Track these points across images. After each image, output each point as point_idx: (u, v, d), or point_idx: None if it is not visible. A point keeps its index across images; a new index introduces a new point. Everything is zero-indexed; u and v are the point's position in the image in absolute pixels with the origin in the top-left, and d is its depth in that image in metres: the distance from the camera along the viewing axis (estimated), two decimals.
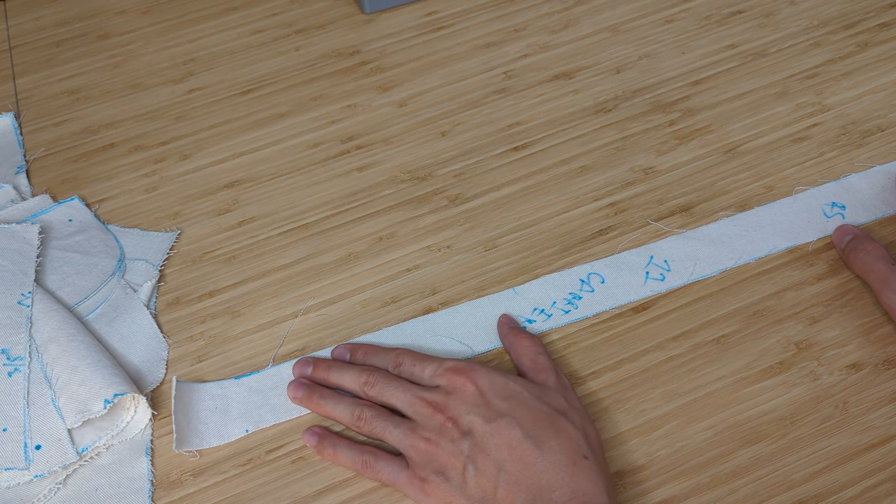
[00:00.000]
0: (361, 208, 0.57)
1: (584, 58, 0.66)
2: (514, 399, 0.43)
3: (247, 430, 0.47)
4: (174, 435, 0.45)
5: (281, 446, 0.47)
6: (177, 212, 0.58)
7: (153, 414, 0.47)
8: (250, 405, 0.48)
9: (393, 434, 0.44)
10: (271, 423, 0.47)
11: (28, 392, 0.48)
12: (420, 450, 0.43)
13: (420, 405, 0.44)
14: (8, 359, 0.49)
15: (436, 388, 0.45)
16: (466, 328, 0.50)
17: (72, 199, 0.58)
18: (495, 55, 0.67)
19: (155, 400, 0.48)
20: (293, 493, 0.45)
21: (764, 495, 0.43)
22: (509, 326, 0.49)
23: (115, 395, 0.46)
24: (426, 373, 0.46)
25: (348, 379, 0.47)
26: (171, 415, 0.47)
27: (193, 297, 0.53)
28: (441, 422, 0.43)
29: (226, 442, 0.46)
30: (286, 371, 0.49)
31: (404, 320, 0.51)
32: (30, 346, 0.49)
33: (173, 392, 0.46)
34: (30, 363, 0.49)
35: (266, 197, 0.58)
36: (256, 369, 0.49)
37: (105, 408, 0.45)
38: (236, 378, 0.49)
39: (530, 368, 0.46)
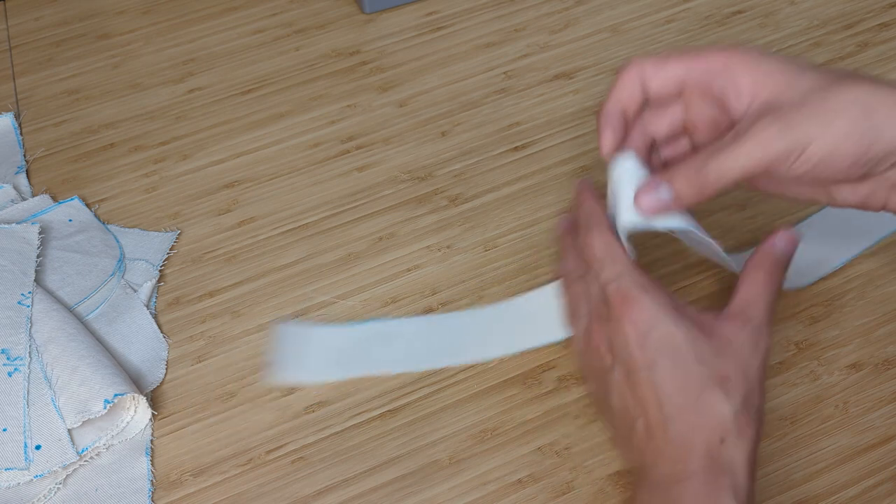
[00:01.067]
0: (361, 208, 0.57)
1: (584, 58, 0.66)
2: (669, 352, 0.38)
3: (343, 376, 0.48)
4: (271, 367, 0.47)
5: (281, 446, 0.47)
6: (177, 212, 0.58)
7: (153, 414, 0.48)
8: (351, 353, 0.49)
9: (579, 323, 0.43)
10: (365, 374, 0.48)
11: (28, 392, 0.48)
12: (582, 354, 0.43)
13: (591, 317, 0.42)
14: (8, 359, 0.49)
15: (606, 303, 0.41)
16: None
17: (72, 199, 0.58)
18: (495, 55, 0.67)
19: (155, 399, 0.49)
20: (293, 493, 0.45)
21: (764, 495, 0.43)
22: (776, 256, 0.42)
23: (116, 396, 0.46)
24: (602, 276, 0.41)
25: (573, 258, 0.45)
26: (172, 414, 0.47)
27: (193, 297, 0.53)
28: (596, 344, 0.41)
29: (321, 380, 0.48)
30: (387, 326, 0.50)
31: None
32: (30, 346, 0.49)
33: (278, 331, 0.48)
34: (30, 363, 0.49)
35: (266, 197, 0.58)
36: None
37: (105, 408, 0.45)
38: (342, 325, 0.50)
39: (735, 308, 0.40)
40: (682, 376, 0.38)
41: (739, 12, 0.69)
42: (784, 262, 0.42)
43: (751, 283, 0.41)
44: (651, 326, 0.39)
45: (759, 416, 0.38)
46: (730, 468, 0.37)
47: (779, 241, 0.42)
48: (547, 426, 0.47)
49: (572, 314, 0.44)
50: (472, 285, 0.53)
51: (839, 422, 0.46)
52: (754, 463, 0.38)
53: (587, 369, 0.43)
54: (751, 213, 0.55)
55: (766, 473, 0.44)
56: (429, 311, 0.52)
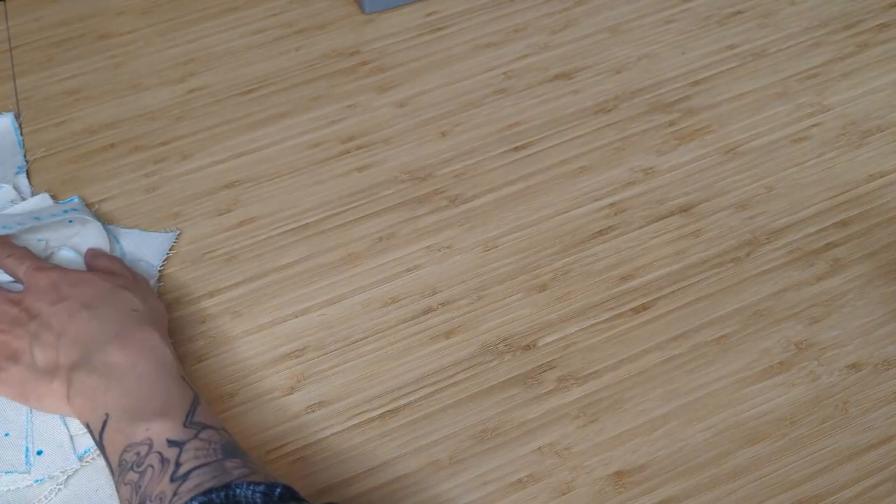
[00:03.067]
0: (361, 208, 0.57)
1: (584, 58, 0.66)
2: (82, 284, 0.47)
3: None
4: None
5: (281, 446, 0.47)
6: (177, 212, 0.58)
7: None
8: None
9: None
10: None
11: None
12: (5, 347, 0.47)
13: (1, 303, 0.48)
14: None
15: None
16: None
17: (72, 200, 0.58)
18: (495, 55, 0.67)
19: None
20: None
21: (764, 495, 0.43)
22: (92, 253, 0.53)
23: None
24: (20, 272, 0.50)
25: None
26: None
27: (193, 297, 0.53)
28: (15, 314, 0.47)
29: None
30: None
31: (404, 321, 0.51)
32: None
33: None
34: None
35: (266, 197, 0.58)
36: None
37: None
38: None
39: (104, 269, 0.51)
40: (95, 290, 0.47)
41: (739, 12, 0.69)
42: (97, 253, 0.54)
43: (97, 263, 0.52)
44: (61, 275, 0.48)
45: (158, 305, 0.50)
46: (146, 319, 0.46)
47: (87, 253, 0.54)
48: (547, 426, 0.47)
49: None
50: (472, 285, 0.53)
51: (839, 422, 0.46)
52: (163, 326, 0.49)
53: (12, 350, 0.47)
54: (751, 213, 0.55)
55: (766, 473, 0.44)
56: (429, 311, 0.52)
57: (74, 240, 0.54)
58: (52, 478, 0.45)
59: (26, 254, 0.51)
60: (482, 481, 0.45)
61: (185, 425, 0.41)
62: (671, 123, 0.61)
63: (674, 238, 0.54)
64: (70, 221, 0.56)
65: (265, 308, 0.52)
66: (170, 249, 0.55)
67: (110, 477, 0.45)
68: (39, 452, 0.45)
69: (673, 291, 0.52)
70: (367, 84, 0.65)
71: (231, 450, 0.40)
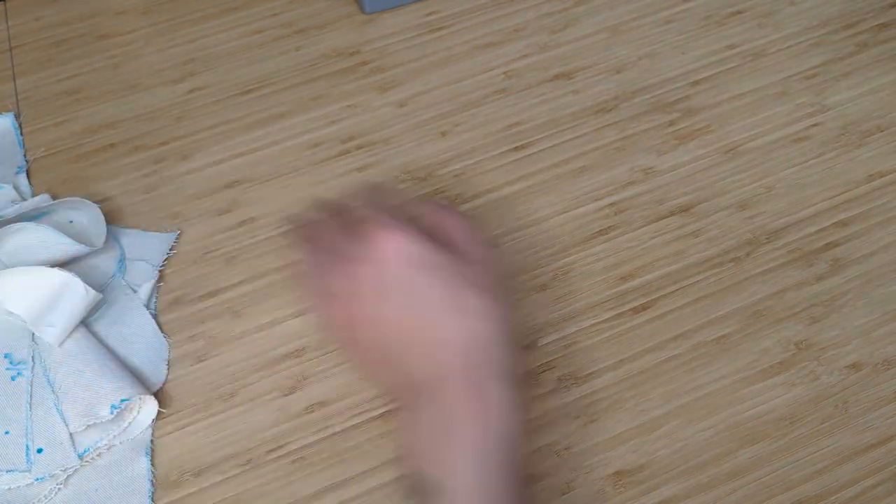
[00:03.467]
0: None
1: (584, 58, 0.66)
2: (425, 267, 0.42)
3: None
4: None
5: (281, 446, 0.47)
6: (177, 212, 0.58)
7: (159, 412, 0.48)
8: None
9: (332, 286, 0.44)
10: None
11: (31, 396, 0.48)
12: (343, 311, 0.44)
13: (345, 265, 0.44)
14: (11, 363, 0.49)
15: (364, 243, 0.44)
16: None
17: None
18: (495, 55, 0.67)
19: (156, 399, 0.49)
20: (293, 493, 0.45)
21: (764, 495, 0.43)
22: (436, 206, 0.48)
23: (122, 401, 0.46)
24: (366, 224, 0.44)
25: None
26: (172, 414, 0.47)
27: (193, 297, 0.53)
28: (357, 284, 0.43)
29: None
30: None
31: None
32: (33, 350, 0.49)
33: None
34: (33, 367, 0.49)
35: (266, 197, 0.58)
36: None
37: (112, 413, 0.45)
38: None
39: (456, 242, 0.44)
40: (438, 285, 0.41)
41: (739, 12, 0.69)
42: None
43: (450, 228, 0.45)
44: (405, 248, 0.42)
45: (510, 317, 0.42)
46: (495, 361, 0.39)
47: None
48: (547, 426, 0.47)
49: (319, 283, 0.45)
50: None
51: (839, 422, 0.46)
52: (516, 358, 0.41)
53: (346, 318, 0.44)
54: (751, 213, 0.55)
55: (766, 473, 0.44)
56: None
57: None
58: (52, 476, 0.45)
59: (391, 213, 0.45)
60: None
61: None
62: (671, 123, 0.61)
63: (674, 238, 0.54)
64: (70, 221, 0.56)
65: (265, 308, 0.52)
66: (170, 249, 0.55)
67: (110, 477, 0.45)
68: (40, 450, 0.45)
69: (673, 291, 0.52)
70: (367, 84, 0.65)
71: None
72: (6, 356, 0.49)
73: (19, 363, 0.49)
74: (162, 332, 0.51)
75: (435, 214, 0.47)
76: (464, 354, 0.39)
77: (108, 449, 0.46)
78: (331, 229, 0.46)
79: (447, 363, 0.39)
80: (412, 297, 0.41)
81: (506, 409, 0.38)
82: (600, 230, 0.55)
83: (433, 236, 0.44)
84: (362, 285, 0.43)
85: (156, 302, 0.53)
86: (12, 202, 0.57)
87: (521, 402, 0.39)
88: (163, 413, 0.48)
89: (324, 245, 0.46)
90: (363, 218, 0.44)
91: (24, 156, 0.62)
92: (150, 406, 0.47)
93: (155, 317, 0.52)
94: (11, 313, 0.50)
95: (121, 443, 0.47)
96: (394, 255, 0.42)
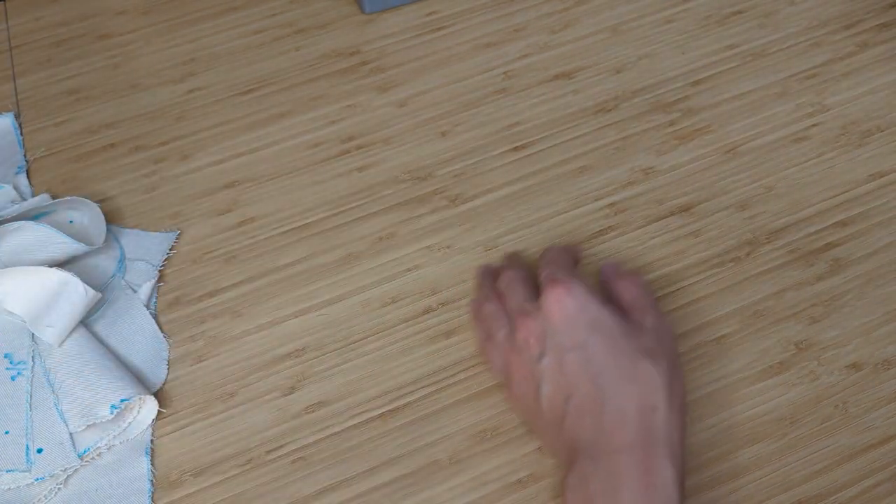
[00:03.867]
0: (361, 208, 0.57)
1: (584, 58, 0.66)
2: (599, 331, 0.41)
3: None
4: None
5: (281, 446, 0.47)
6: (177, 212, 0.58)
7: (159, 412, 0.48)
8: None
9: (496, 336, 0.45)
10: None
11: (31, 396, 0.48)
12: (505, 360, 0.44)
13: (515, 317, 0.44)
14: (11, 363, 0.49)
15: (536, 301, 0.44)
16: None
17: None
18: (495, 55, 0.67)
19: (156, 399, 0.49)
20: (293, 493, 0.45)
21: (764, 495, 0.43)
22: (613, 269, 0.48)
23: (122, 401, 0.46)
24: (541, 274, 0.46)
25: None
26: (171, 414, 0.47)
27: (193, 297, 0.53)
28: (524, 337, 0.43)
29: None
30: None
31: (404, 321, 0.51)
32: (33, 350, 0.49)
33: None
34: (33, 367, 0.49)
35: (266, 197, 0.58)
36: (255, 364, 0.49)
37: (112, 413, 0.45)
38: None
39: (630, 307, 0.45)
40: (612, 351, 0.41)
41: (739, 12, 0.68)
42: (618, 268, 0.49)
43: (625, 288, 0.46)
44: (581, 308, 0.42)
45: (683, 387, 0.42)
46: (666, 437, 0.39)
47: (607, 265, 0.49)
48: None
49: (485, 333, 0.46)
50: (472, 285, 0.53)
51: (839, 422, 0.46)
52: (684, 434, 0.40)
53: (512, 370, 0.44)
54: (751, 213, 0.55)
55: (766, 473, 0.44)
56: (429, 311, 0.52)
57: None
58: (52, 476, 0.45)
59: (555, 259, 0.46)
60: (482, 481, 0.45)
61: None
62: (671, 123, 0.61)
63: (674, 238, 0.54)
64: (71, 221, 0.56)
65: (265, 308, 0.53)
66: (170, 249, 0.55)
67: (110, 476, 0.45)
68: (40, 451, 0.45)
69: (673, 291, 0.52)
70: (367, 84, 0.65)
71: None
72: (6, 356, 0.49)
73: (19, 363, 0.49)
74: (162, 332, 0.51)
75: (612, 277, 0.47)
76: (638, 429, 0.39)
77: (108, 449, 0.46)
78: (510, 281, 0.47)
79: (620, 435, 0.39)
80: (585, 359, 0.41)
81: (671, 488, 0.38)
82: (600, 230, 0.55)
83: (609, 299, 0.45)
84: (528, 339, 0.43)
85: (156, 302, 0.53)
86: (12, 202, 0.57)
87: (683, 479, 0.39)
88: (163, 413, 0.48)
89: (498, 294, 0.47)
90: (543, 274, 0.45)
91: (24, 156, 0.62)
92: (150, 406, 0.47)
93: (155, 317, 0.52)
94: (11, 313, 0.50)
95: (121, 443, 0.47)
96: (566, 315, 0.42)
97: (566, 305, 0.42)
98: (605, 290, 0.47)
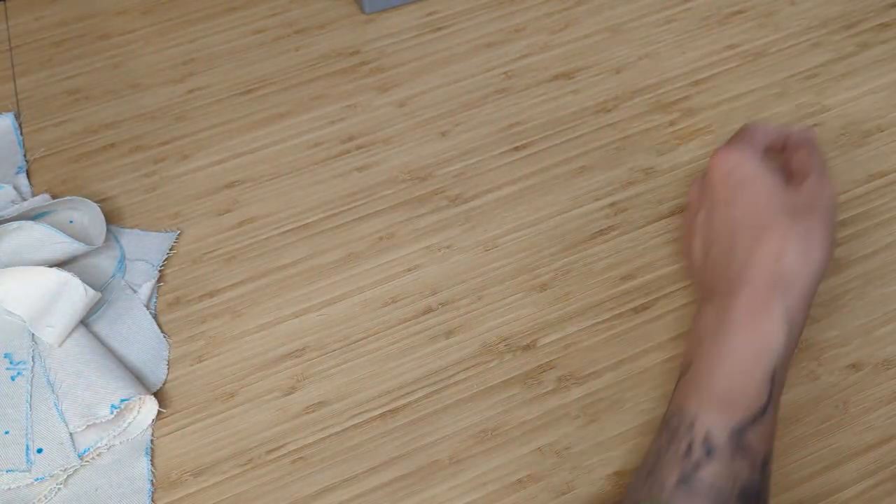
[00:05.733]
0: (361, 208, 0.57)
1: (584, 58, 0.66)
2: (750, 188, 0.44)
3: None
4: None
5: (281, 446, 0.47)
6: (177, 212, 0.58)
7: (159, 412, 0.48)
8: None
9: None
10: None
11: (31, 396, 0.48)
12: (684, 225, 0.49)
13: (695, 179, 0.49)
14: (11, 363, 0.49)
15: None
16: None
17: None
18: (495, 55, 0.67)
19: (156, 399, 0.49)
20: (293, 493, 0.45)
21: None
22: (799, 137, 0.49)
23: (122, 401, 0.46)
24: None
25: None
26: (171, 414, 0.47)
27: (193, 297, 0.53)
28: (692, 197, 0.48)
29: None
30: None
31: (404, 321, 0.51)
32: (33, 350, 0.49)
33: None
34: (33, 367, 0.49)
35: (266, 197, 0.58)
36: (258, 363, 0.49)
37: (112, 413, 0.45)
38: None
39: (795, 170, 0.46)
40: (754, 206, 0.43)
41: (739, 12, 0.68)
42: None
43: (798, 155, 0.47)
44: (737, 165, 0.44)
45: (822, 246, 0.42)
46: (783, 281, 0.41)
47: (797, 131, 0.49)
48: (547, 426, 0.47)
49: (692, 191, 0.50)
50: (472, 285, 0.53)
51: (839, 422, 0.46)
52: (812, 288, 0.42)
53: (684, 231, 0.49)
54: None
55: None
56: (429, 311, 0.52)
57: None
58: (52, 476, 0.45)
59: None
60: (482, 481, 0.45)
61: (731, 436, 0.38)
62: (671, 123, 0.61)
63: (674, 238, 0.54)
64: (71, 221, 0.56)
65: (265, 308, 0.53)
66: (170, 249, 0.55)
67: (110, 476, 0.45)
68: (39, 450, 0.45)
69: (673, 291, 0.52)
70: (367, 84, 0.65)
71: (747, 496, 0.37)
72: (6, 356, 0.49)
73: (19, 363, 0.49)
74: (162, 332, 0.51)
75: (786, 139, 0.48)
76: (759, 275, 0.41)
77: (108, 449, 0.46)
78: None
79: (740, 280, 0.41)
80: (729, 213, 0.44)
81: (775, 333, 0.40)
82: (600, 230, 0.55)
83: (785, 163, 0.47)
84: (693, 198, 0.47)
85: (156, 302, 0.53)
86: (12, 202, 0.57)
87: (798, 328, 0.41)
88: (163, 413, 0.48)
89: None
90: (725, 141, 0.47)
91: (24, 156, 0.62)
92: (150, 406, 0.47)
93: (155, 317, 0.52)
94: (11, 313, 0.50)
95: (121, 443, 0.47)
96: (721, 172, 0.45)
97: (725, 163, 0.45)
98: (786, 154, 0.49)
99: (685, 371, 0.41)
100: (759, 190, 0.43)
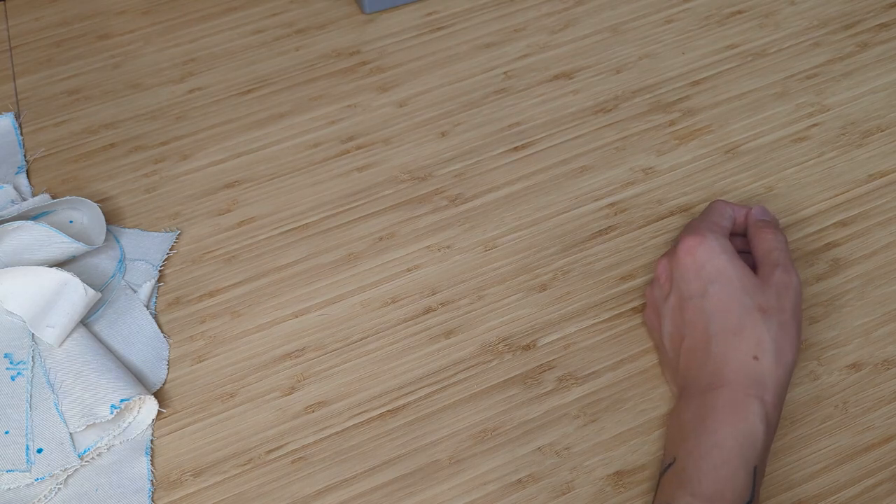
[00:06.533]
0: (361, 208, 0.57)
1: (584, 58, 0.66)
2: (721, 282, 0.44)
3: None
4: None
5: (281, 446, 0.47)
6: (177, 212, 0.58)
7: (159, 412, 0.48)
8: None
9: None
10: None
11: (31, 396, 0.48)
12: (649, 288, 0.49)
13: (663, 255, 0.48)
14: (11, 363, 0.49)
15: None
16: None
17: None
18: (495, 55, 0.67)
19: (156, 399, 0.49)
20: (293, 493, 0.45)
21: (764, 495, 0.43)
22: (759, 218, 0.49)
23: (122, 401, 0.46)
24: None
25: None
26: (172, 414, 0.47)
27: (193, 297, 0.53)
28: (658, 274, 0.47)
29: None
30: None
31: (404, 321, 0.51)
32: (33, 350, 0.49)
33: None
34: (33, 367, 0.49)
35: (266, 197, 0.58)
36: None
37: (112, 413, 0.45)
38: None
39: (761, 261, 0.46)
40: (728, 302, 0.43)
41: (739, 12, 0.68)
42: (765, 218, 0.50)
43: (761, 240, 0.47)
44: (709, 259, 0.45)
45: (793, 344, 0.43)
46: (759, 381, 0.41)
47: (756, 210, 0.50)
48: (547, 426, 0.47)
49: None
50: (472, 285, 0.53)
51: (839, 422, 0.46)
52: (785, 386, 0.42)
53: (649, 302, 0.48)
54: None
55: (766, 473, 0.44)
56: (429, 311, 0.52)
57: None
58: (52, 476, 0.45)
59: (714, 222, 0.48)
60: (482, 481, 0.45)
61: None
62: (671, 123, 0.61)
63: (674, 238, 0.54)
64: (71, 221, 0.56)
65: (265, 308, 0.53)
66: (170, 249, 0.55)
67: (110, 476, 0.45)
68: (40, 450, 0.45)
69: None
70: (367, 84, 0.65)
71: None
72: (6, 356, 0.49)
73: (19, 363, 0.49)
74: (162, 332, 0.51)
75: (754, 225, 0.49)
76: (737, 374, 0.42)
77: (108, 449, 0.46)
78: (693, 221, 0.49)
79: (719, 377, 0.42)
80: (702, 307, 0.44)
81: (757, 424, 0.40)
82: (600, 230, 0.55)
83: (745, 249, 0.48)
84: (661, 277, 0.47)
85: (156, 302, 0.53)
86: (12, 202, 0.57)
87: (774, 424, 0.42)
88: (163, 413, 0.48)
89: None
90: (689, 223, 0.49)
91: (24, 156, 0.62)
92: (150, 406, 0.47)
93: (155, 317, 0.52)
94: (11, 313, 0.50)
95: (121, 443, 0.47)
96: (695, 263, 0.45)
97: (696, 255, 0.45)
98: (745, 241, 0.49)
99: (668, 466, 0.41)
100: (733, 286, 0.44)
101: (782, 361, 0.42)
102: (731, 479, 0.39)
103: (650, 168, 0.58)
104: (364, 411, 0.48)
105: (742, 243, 0.49)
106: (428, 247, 0.55)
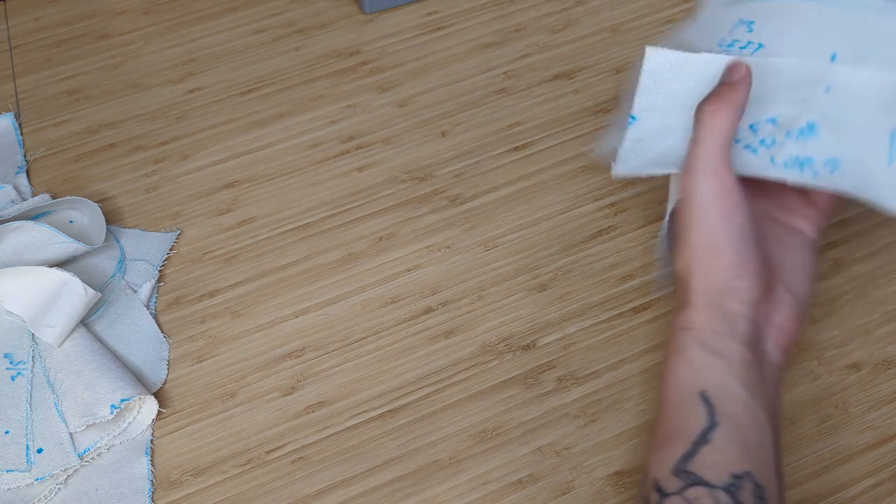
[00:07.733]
0: (361, 208, 0.57)
1: (584, 58, 0.66)
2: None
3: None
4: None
5: (281, 446, 0.47)
6: (177, 212, 0.58)
7: (159, 412, 0.48)
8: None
9: None
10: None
11: (31, 396, 0.48)
12: None
13: None
14: (11, 363, 0.49)
15: None
16: None
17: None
18: (495, 55, 0.67)
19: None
20: (293, 493, 0.45)
21: None
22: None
23: (122, 401, 0.46)
24: None
25: None
26: (172, 414, 0.47)
27: (193, 297, 0.53)
28: None
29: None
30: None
31: (404, 321, 0.51)
32: (33, 350, 0.49)
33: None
34: (33, 367, 0.49)
35: (266, 197, 0.58)
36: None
37: (112, 413, 0.45)
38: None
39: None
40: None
41: None
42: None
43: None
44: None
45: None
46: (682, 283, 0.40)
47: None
48: (547, 426, 0.47)
49: None
50: (472, 285, 0.53)
51: (839, 422, 0.46)
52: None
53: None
54: None
55: None
56: (429, 311, 0.52)
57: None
58: (52, 476, 0.45)
59: None
60: (482, 481, 0.45)
61: (674, 472, 0.35)
62: None
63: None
64: (71, 221, 0.56)
65: (265, 308, 0.53)
66: (170, 249, 0.55)
67: (110, 476, 0.45)
68: (40, 451, 0.45)
69: (673, 292, 0.52)
70: (367, 84, 0.65)
71: None
72: (6, 356, 0.49)
73: (19, 363, 0.49)
74: (162, 332, 0.51)
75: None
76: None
77: (108, 449, 0.46)
78: None
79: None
80: None
81: (692, 345, 0.39)
82: (600, 230, 0.55)
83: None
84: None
85: (156, 302, 0.53)
86: (12, 202, 0.57)
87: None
88: (163, 413, 0.48)
89: None
90: None
91: (24, 156, 0.62)
92: (150, 406, 0.47)
93: (155, 317, 0.52)
94: (11, 313, 0.50)
95: (121, 443, 0.47)
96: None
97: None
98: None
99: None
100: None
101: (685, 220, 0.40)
102: (675, 414, 0.37)
103: None
104: (364, 411, 0.48)
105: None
106: (428, 247, 0.55)
